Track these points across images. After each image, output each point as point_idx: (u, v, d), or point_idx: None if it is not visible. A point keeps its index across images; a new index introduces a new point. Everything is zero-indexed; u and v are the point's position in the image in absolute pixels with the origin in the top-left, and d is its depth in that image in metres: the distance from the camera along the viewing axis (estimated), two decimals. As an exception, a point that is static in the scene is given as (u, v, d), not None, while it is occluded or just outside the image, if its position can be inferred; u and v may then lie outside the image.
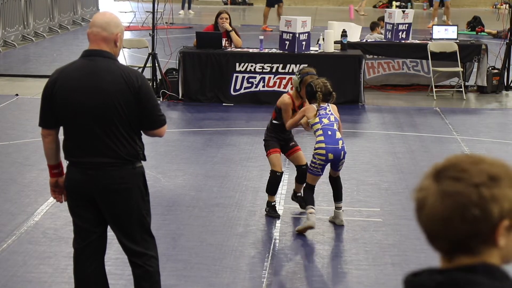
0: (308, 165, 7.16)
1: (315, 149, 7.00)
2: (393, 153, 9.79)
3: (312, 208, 7.00)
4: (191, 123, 11.58)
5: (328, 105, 7.09)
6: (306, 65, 7.68)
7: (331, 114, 7.06)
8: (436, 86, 13.47)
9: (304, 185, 7.21)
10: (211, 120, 11.55)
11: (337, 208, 7.27)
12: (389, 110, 12.41)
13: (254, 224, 7.24)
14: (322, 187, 8.32)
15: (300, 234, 6.99)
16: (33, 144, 9.78)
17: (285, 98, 7.36)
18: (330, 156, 6.96)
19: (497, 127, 11.60)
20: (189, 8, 27.73)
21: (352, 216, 7.46)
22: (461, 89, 13.53)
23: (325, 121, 7.01)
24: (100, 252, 4.95)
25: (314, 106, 7.04)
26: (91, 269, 4.91)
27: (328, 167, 7.19)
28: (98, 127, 4.65)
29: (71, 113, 4.67)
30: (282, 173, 7.46)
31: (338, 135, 7.02)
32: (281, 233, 7.03)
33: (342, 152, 7.01)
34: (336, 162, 7.06)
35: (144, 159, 4.84)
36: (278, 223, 7.26)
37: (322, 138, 6.97)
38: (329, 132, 6.98)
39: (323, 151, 6.94)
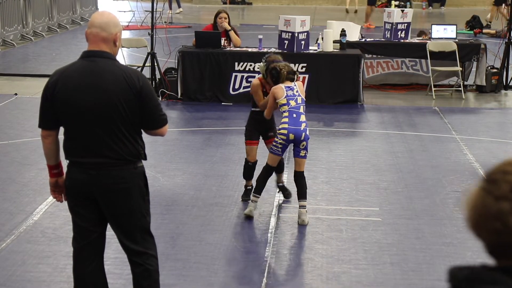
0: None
1: (279, 129, 7.28)
2: (392, 152, 9.79)
3: (256, 196, 7.37)
4: (190, 123, 11.58)
5: (295, 85, 7.30)
6: (272, 53, 7.93)
7: (298, 95, 7.26)
8: (435, 86, 13.48)
9: (264, 165, 7.44)
10: (210, 120, 11.55)
11: (301, 206, 7.29)
12: (388, 110, 12.42)
13: (253, 223, 7.24)
14: (321, 186, 8.33)
15: (299, 233, 7.00)
16: (32, 143, 9.78)
17: (254, 81, 7.73)
18: (291, 136, 7.18)
19: (496, 126, 11.60)
20: (179, 6, 27.77)
21: (351, 216, 7.46)
22: (460, 89, 13.54)
23: (292, 103, 7.22)
24: (100, 251, 4.96)
25: (281, 85, 7.25)
26: (90, 268, 4.92)
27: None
28: (100, 127, 4.65)
29: (73, 113, 4.67)
30: (254, 163, 7.83)
31: (303, 118, 7.23)
32: (280, 232, 7.03)
33: (303, 133, 7.19)
34: (297, 143, 7.22)
35: (145, 158, 4.84)
36: (277, 222, 7.26)
37: (286, 119, 7.21)
38: (294, 115, 7.21)
39: (285, 131, 7.19)
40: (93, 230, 4.86)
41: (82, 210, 4.82)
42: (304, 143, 7.22)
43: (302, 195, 7.27)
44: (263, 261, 6.37)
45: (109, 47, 4.71)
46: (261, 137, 7.87)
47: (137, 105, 4.66)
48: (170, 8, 27.42)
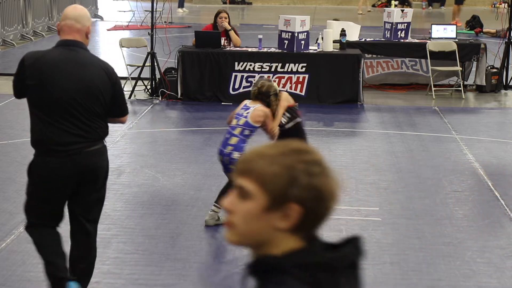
0: None
1: None
2: (392, 152, 9.79)
3: (215, 206, 7.03)
4: (190, 122, 11.58)
5: (251, 107, 6.87)
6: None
7: (245, 117, 6.82)
8: (435, 85, 13.47)
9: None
10: (210, 119, 11.55)
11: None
12: (388, 109, 12.42)
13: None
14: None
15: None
16: (32, 143, 9.77)
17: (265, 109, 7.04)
18: (219, 157, 6.91)
19: (495, 126, 11.60)
20: (182, 6, 27.79)
21: (351, 215, 7.46)
22: (460, 88, 13.54)
23: (233, 122, 6.89)
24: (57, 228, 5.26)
25: (246, 101, 7.00)
26: (59, 243, 5.20)
27: None
28: (82, 112, 4.90)
29: (55, 98, 4.86)
30: None
31: (233, 140, 6.79)
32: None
33: (227, 157, 6.78)
34: (224, 165, 6.88)
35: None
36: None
37: (222, 137, 6.98)
38: (227, 135, 6.88)
39: (218, 151, 6.95)
40: (61, 213, 5.16)
41: (55, 196, 5.05)
42: (232, 166, 6.56)
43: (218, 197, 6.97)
44: (263, 261, 6.36)
45: (82, 39, 4.99)
46: None
47: (111, 94, 4.98)
48: (179, 7, 27.46)
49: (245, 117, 6.83)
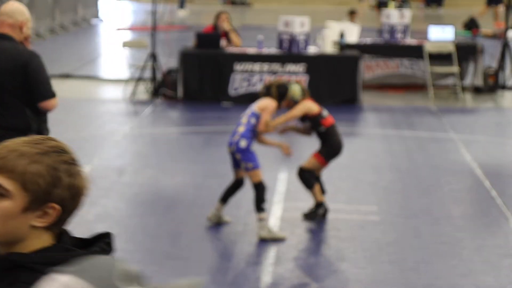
0: None
1: None
2: (390, 152, 9.86)
3: (218, 204, 7.06)
4: (191, 123, 11.66)
5: (260, 100, 7.06)
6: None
7: (251, 108, 7.00)
8: (433, 86, 13.54)
9: None
10: (210, 120, 11.62)
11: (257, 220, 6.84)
12: (386, 110, 12.49)
13: (253, 222, 7.30)
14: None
15: (298, 232, 7.07)
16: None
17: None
18: (228, 148, 6.89)
19: (493, 126, 11.68)
20: (183, 7, 27.82)
21: (350, 215, 7.53)
22: (458, 89, 13.61)
23: (243, 115, 7.01)
24: None
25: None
26: None
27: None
28: None
29: None
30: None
31: (240, 128, 6.82)
32: (280, 231, 7.08)
33: (235, 145, 6.76)
34: (233, 155, 6.84)
35: (38, 133, 5.20)
36: (277, 221, 7.32)
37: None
38: (236, 127, 6.93)
39: (227, 144, 6.93)
40: None
41: None
42: (238, 155, 6.75)
43: (255, 208, 6.80)
44: (263, 260, 6.43)
45: (15, 33, 5.23)
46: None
47: (24, 79, 5.13)
48: (183, 8, 27.49)
49: (251, 108, 7.01)
